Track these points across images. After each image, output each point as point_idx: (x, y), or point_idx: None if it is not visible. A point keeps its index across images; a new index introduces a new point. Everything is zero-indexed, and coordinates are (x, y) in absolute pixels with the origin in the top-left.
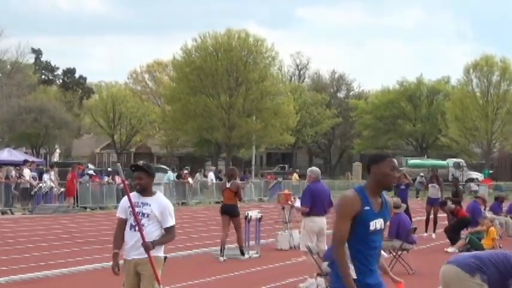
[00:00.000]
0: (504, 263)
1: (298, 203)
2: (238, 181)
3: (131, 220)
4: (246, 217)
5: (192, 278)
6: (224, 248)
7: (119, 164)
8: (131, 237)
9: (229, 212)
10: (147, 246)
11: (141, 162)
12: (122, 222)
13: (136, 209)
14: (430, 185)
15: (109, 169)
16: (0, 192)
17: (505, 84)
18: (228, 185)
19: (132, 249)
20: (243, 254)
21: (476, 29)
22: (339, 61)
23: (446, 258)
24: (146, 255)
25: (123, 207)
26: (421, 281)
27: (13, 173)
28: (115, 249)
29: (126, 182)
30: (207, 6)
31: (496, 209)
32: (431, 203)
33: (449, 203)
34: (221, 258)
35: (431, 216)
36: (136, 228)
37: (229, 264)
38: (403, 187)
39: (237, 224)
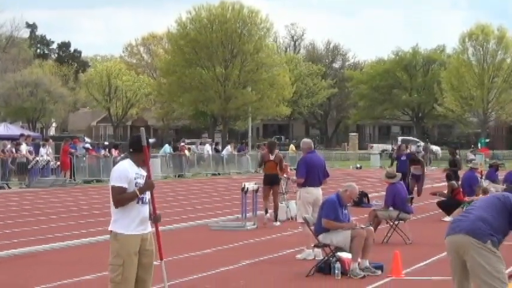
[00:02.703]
0: (506, 204)
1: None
2: (280, 153)
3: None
4: (242, 189)
5: (192, 250)
6: (267, 212)
7: (142, 128)
8: (138, 211)
9: (272, 180)
10: (159, 218)
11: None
12: (124, 191)
13: (138, 180)
14: (413, 167)
15: (105, 142)
16: None
17: (501, 52)
18: (271, 157)
19: (139, 223)
20: (276, 220)
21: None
22: (334, 32)
23: (443, 227)
24: (150, 230)
25: (125, 177)
26: (418, 251)
27: (9, 147)
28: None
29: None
30: None
31: (492, 177)
32: (416, 179)
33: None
34: (275, 223)
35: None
36: (144, 200)
37: (227, 235)
38: (403, 158)
39: (276, 191)
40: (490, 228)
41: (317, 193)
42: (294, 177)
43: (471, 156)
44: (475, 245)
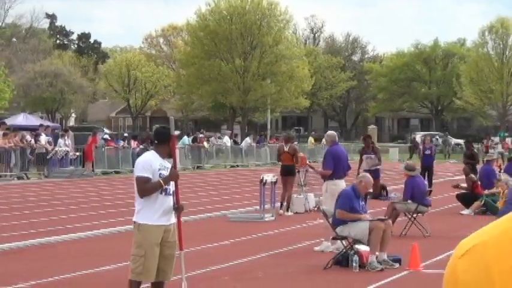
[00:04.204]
0: None
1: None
2: (295, 145)
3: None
4: (261, 180)
5: (210, 242)
6: (283, 204)
7: (171, 117)
8: (162, 202)
9: (286, 171)
10: (182, 208)
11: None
12: (149, 181)
13: (163, 172)
14: (365, 156)
15: (124, 134)
16: (15, 157)
17: None
18: (286, 148)
19: (163, 214)
20: (287, 210)
21: None
22: (354, 24)
23: (461, 220)
24: (173, 222)
25: (149, 167)
26: (436, 244)
27: (28, 137)
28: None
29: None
30: None
31: (510, 170)
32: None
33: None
34: (286, 213)
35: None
36: (168, 191)
37: (245, 227)
38: (428, 152)
39: (291, 182)
40: None
41: (342, 185)
42: (320, 169)
43: (498, 149)
44: None
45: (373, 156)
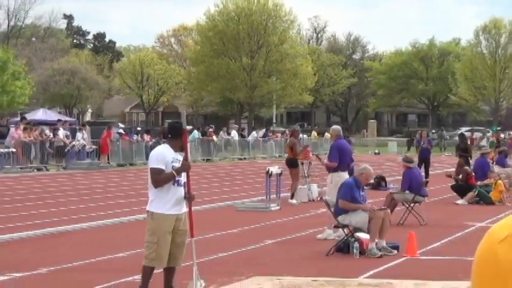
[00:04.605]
0: None
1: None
2: (293, 139)
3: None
4: (267, 172)
5: (218, 230)
6: (294, 194)
7: (183, 111)
8: (174, 192)
9: (289, 163)
10: (193, 198)
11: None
12: (162, 173)
13: (175, 164)
14: None
15: (138, 128)
16: (35, 150)
17: None
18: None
19: (175, 204)
20: (291, 198)
21: None
22: (354, 24)
23: (456, 210)
24: (185, 211)
25: (163, 159)
26: (432, 232)
27: (47, 132)
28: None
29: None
30: None
31: (502, 162)
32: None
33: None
34: (290, 201)
35: None
36: (180, 182)
37: (252, 216)
38: (424, 145)
39: (293, 173)
40: None
41: (346, 177)
42: (326, 161)
43: (483, 143)
44: None
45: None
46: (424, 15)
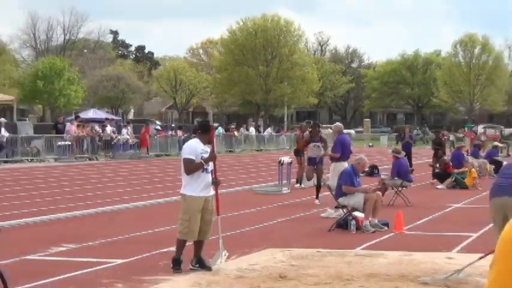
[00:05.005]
0: None
1: (312, 152)
2: (298, 132)
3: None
4: (279, 162)
5: (239, 209)
6: (300, 180)
7: (211, 111)
8: (203, 178)
9: (295, 153)
10: (219, 183)
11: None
12: (193, 162)
13: (204, 155)
14: (314, 144)
15: (172, 125)
16: (87, 143)
17: (485, 56)
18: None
19: (204, 188)
20: (297, 183)
21: (462, 11)
22: (352, 38)
23: (437, 193)
24: (212, 193)
25: (194, 151)
26: (416, 211)
27: (97, 128)
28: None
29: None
30: None
31: (475, 154)
32: (314, 163)
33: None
34: (296, 185)
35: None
36: (208, 170)
37: (267, 198)
38: (408, 141)
39: (298, 162)
40: None
41: (346, 166)
42: (328, 152)
43: (452, 137)
44: None
45: (320, 144)
46: (410, 30)
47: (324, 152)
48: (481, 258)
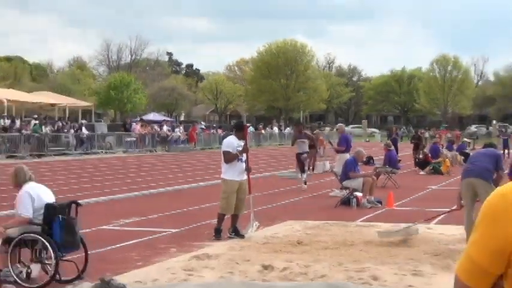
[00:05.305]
0: (493, 157)
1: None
2: (308, 132)
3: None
4: (296, 154)
5: (266, 190)
6: (309, 167)
7: (244, 115)
8: (238, 166)
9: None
10: (250, 169)
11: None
12: (230, 154)
13: (239, 148)
14: (299, 140)
15: (214, 125)
16: (148, 139)
17: (455, 71)
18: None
19: (239, 173)
20: (308, 170)
21: (438, 36)
22: (353, 58)
23: (418, 178)
24: (245, 178)
25: (231, 145)
26: (403, 192)
27: (156, 127)
28: (236, 153)
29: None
30: (272, 26)
31: (449, 148)
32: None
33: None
34: (308, 172)
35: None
36: (242, 160)
37: (288, 181)
38: (395, 137)
39: (310, 154)
40: (490, 173)
41: (348, 157)
42: (335, 146)
43: (427, 134)
44: (484, 184)
45: (305, 141)
46: (398, 51)
47: (307, 150)
48: (429, 220)
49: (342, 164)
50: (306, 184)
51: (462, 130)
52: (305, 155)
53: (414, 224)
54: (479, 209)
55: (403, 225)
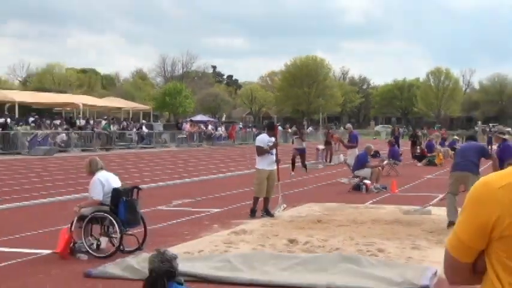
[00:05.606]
0: (479, 151)
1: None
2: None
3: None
4: (317, 149)
5: (290, 178)
6: (330, 158)
7: (275, 116)
8: (269, 158)
9: (326, 143)
10: (279, 161)
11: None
12: (262, 148)
13: (270, 143)
14: (294, 137)
15: (249, 125)
16: (196, 136)
17: (447, 81)
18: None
19: (269, 164)
20: (328, 161)
21: (433, 52)
22: (363, 69)
23: (416, 168)
24: (274, 167)
25: (263, 141)
26: (404, 180)
27: (202, 126)
28: (267, 148)
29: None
30: (297, 44)
31: (442, 144)
32: (300, 151)
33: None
34: (325, 163)
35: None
36: (272, 153)
37: (309, 171)
38: (397, 134)
39: (327, 149)
40: (476, 166)
41: (357, 152)
42: (346, 143)
43: (420, 133)
44: (473, 176)
45: (299, 138)
46: (400, 64)
47: (303, 145)
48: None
49: (353, 157)
50: (293, 172)
51: (453, 129)
52: (295, 151)
53: (429, 205)
54: (464, 198)
55: (417, 207)
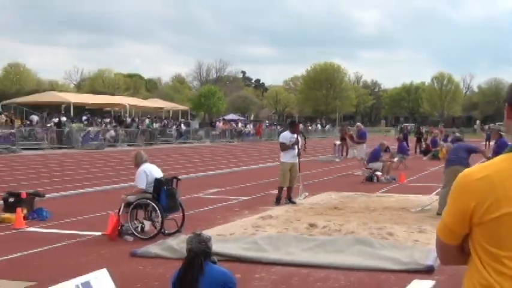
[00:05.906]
0: (469, 149)
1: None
2: (345, 129)
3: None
4: (334, 144)
5: (311, 170)
6: (346, 152)
7: (296, 115)
8: (291, 152)
9: (342, 139)
10: (300, 154)
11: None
12: (285, 144)
13: (292, 139)
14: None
15: (274, 123)
16: (227, 132)
17: (450, 85)
18: (345, 132)
19: (291, 157)
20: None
21: (436, 59)
22: (375, 74)
23: (422, 162)
24: (296, 160)
25: (286, 138)
26: (411, 172)
27: (233, 124)
28: (290, 143)
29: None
30: (316, 52)
31: (445, 140)
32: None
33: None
34: (341, 157)
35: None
36: (294, 148)
37: (327, 164)
38: (405, 132)
39: (343, 144)
40: (467, 160)
41: (365, 147)
42: (356, 139)
43: (424, 129)
44: (463, 168)
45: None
46: (407, 69)
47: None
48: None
49: (361, 151)
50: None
51: (455, 127)
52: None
53: (429, 205)
54: None
55: (419, 208)
